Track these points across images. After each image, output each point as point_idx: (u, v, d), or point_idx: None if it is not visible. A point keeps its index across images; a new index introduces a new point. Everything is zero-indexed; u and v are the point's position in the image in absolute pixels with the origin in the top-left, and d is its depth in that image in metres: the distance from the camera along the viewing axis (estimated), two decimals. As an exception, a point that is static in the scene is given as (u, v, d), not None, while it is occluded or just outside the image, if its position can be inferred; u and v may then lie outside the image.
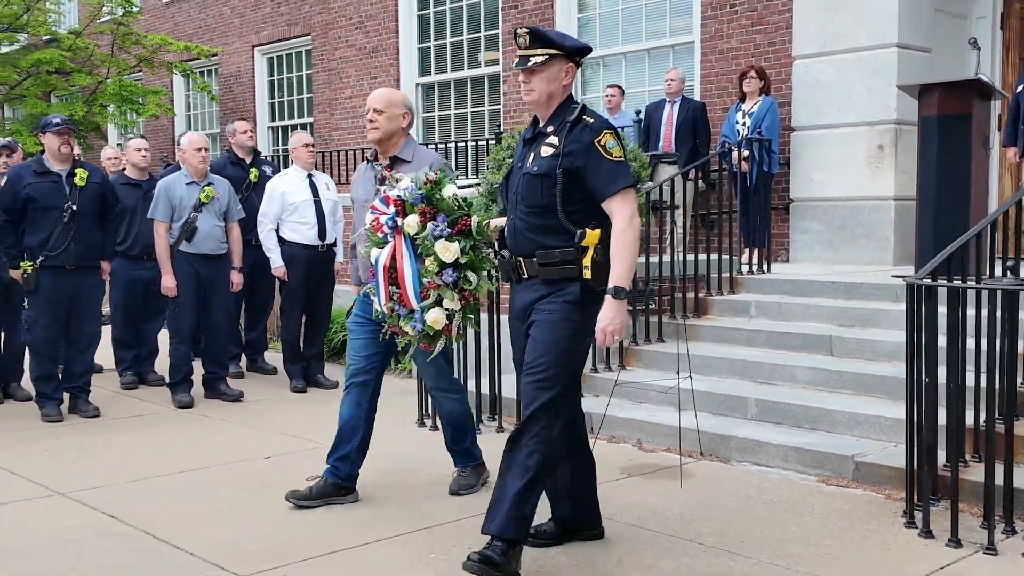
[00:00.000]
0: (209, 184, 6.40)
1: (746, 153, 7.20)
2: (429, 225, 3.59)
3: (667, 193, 6.63)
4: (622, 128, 7.66)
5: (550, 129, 3.36)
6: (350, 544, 3.69)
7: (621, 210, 3.24)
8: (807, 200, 7.83)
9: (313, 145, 6.97)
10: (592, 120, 3.31)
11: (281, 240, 6.73)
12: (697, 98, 8.67)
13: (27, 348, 6.02)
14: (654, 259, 6.39)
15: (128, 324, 7.02)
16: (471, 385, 5.72)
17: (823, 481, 4.47)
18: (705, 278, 6.61)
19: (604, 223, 3.28)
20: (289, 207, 6.70)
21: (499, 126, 10.06)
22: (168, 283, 6.29)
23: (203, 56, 15.53)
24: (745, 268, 6.92)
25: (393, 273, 3.67)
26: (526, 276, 3.39)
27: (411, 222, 3.63)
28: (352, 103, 12.21)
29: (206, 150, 6.40)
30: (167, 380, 6.48)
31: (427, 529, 3.85)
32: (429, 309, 3.62)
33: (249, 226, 6.85)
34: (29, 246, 5.84)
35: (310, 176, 6.85)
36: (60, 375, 6.11)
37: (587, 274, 3.27)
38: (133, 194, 6.86)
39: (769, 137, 7.45)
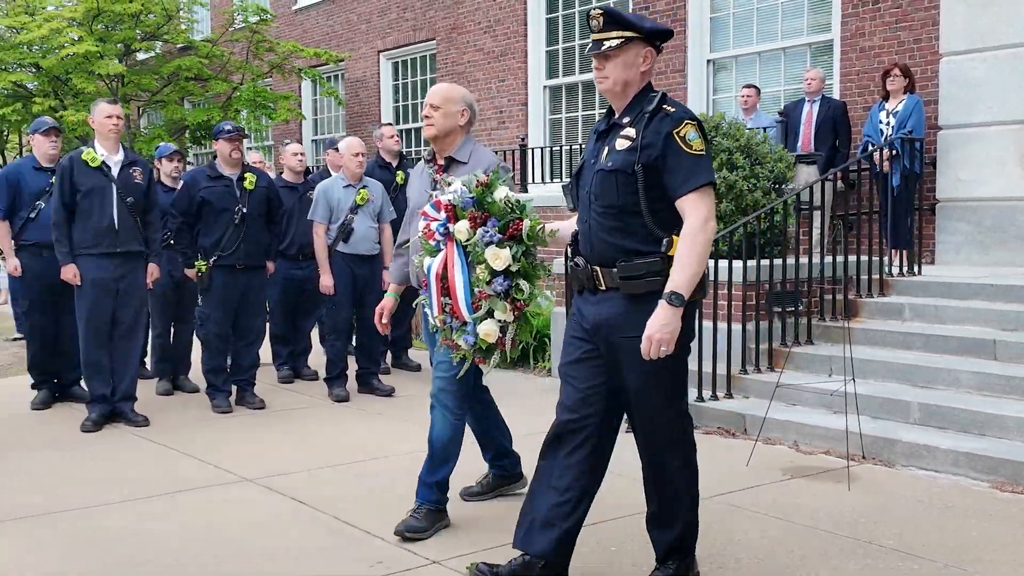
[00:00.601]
0: (364, 187, 6.67)
1: (890, 153, 7.09)
2: (479, 231, 3.35)
3: (806, 194, 6.60)
4: (763, 129, 7.64)
5: (626, 120, 3.05)
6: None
7: (695, 209, 2.89)
8: (955, 201, 7.65)
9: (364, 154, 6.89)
10: (673, 109, 2.98)
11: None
12: (836, 97, 8.55)
13: (200, 342, 6.37)
14: (802, 260, 6.36)
15: (285, 321, 7.36)
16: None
17: (996, 487, 4.40)
18: (852, 280, 6.54)
19: None
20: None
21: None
22: (326, 282, 6.58)
23: (331, 62, 16.03)
24: (895, 270, 6.81)
25: (445, 283, 3.46)
26: (603, 288, 3.05)
27: (461, 228, 3.39)
28: (480, 107, 12.38)
29: (363, 155, 6.66)
30: (325, 375, 6.78)
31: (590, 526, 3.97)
32: (481, 321, 3.38)
33: (396, 228, 7.09)
34: (203, 246, 6.21)
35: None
36: (228, 369, 6.45)
37: None
38: (290, 196, 7.19)
39: (918, 136, 7.31)
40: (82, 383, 6.53)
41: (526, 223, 3.35)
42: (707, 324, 5.79)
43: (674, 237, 2.92)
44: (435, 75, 15.18)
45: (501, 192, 3.37)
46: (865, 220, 6.85)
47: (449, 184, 3.50)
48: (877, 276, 6.58)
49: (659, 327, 2.85)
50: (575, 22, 11.31)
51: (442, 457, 3.90)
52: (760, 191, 6.60)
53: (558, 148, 11.02)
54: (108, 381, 5.81)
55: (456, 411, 3.88)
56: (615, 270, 2.98)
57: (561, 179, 10.81)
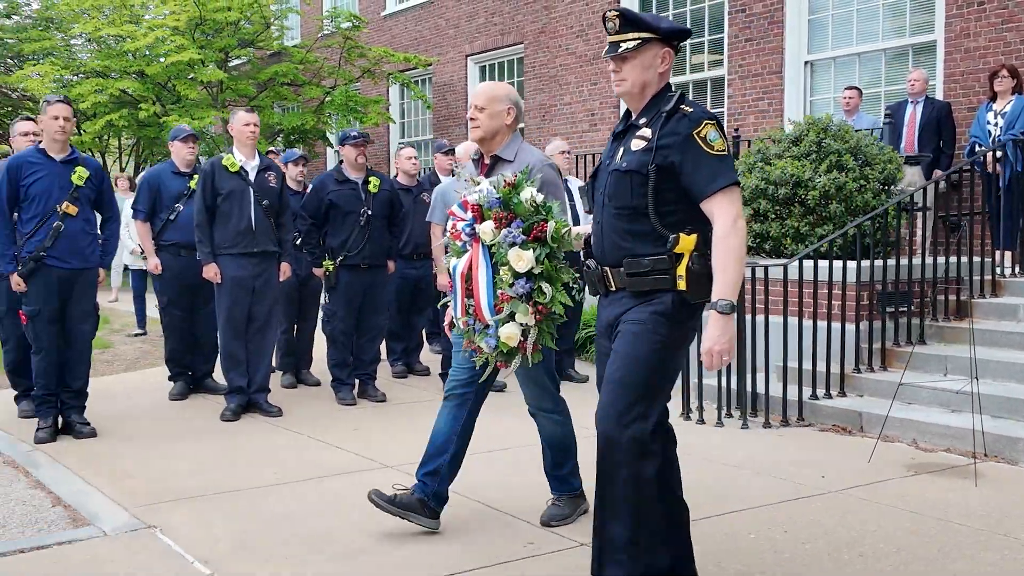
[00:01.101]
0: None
1: (999, 154, 7.08)
2: (503, 231, 3.32)
3: (916, 195, 6.64)
4: (870, 131, 7.69)
5: (643, 121, 3.00)
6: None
7: (724, 211, 2.83)
8: (1065, 201, 7.58)
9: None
10: (691, 109, 2.93)
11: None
12: (940, 98, 8.53)
13: (326, 338, 6.69)
14: (907, 261, 6.41)
15: (400, 318, 7.66)
16: (714, 380, 5.96)
17: (1125, 486, 4.45)
18: (963, 280, 6.56)
19: (702, 227, 2.91)
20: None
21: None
22: (443, 281, 6.84)
23: (420, 66, 16.40)
24: (1007, 271, 6.81)
25: (469, 284, 3.42)
26: (613, 288, 3.05)
27: (486, 228, 3.36)
28: (571, 109, 12.66)
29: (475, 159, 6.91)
30: (441, 370, 7.04)
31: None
32: (503, 324, 3.35)
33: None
34: (330, 247, 6.53)
35: (566, 181, 7.26)
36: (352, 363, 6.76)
37: (681, 284, 2.91)
38: (405, 198, 7.48)
39: (1028, 137, 7.28)
40: (214, 376, 6.92)
41: (551, 225, 3.31)
42: (821, 324, 5.90)
43: (681, 235, 2.89)
44: (522, 78, 15.44)
45: (527, 193, 3.33)
46: (973, 221, 6.87)
47: (477, 183, 3.47)
48: (989, 277, 6.60)
49: (716, 338, 2.82)
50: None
51: (563, 453, 3.96)
52: (870, 192, 6.66)
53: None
54: (244, 373, 6.16)
55: (558, 410, 3.91)
56: (622, 269, 2.97)
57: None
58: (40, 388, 5.58)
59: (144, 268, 9.57)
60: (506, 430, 5.52)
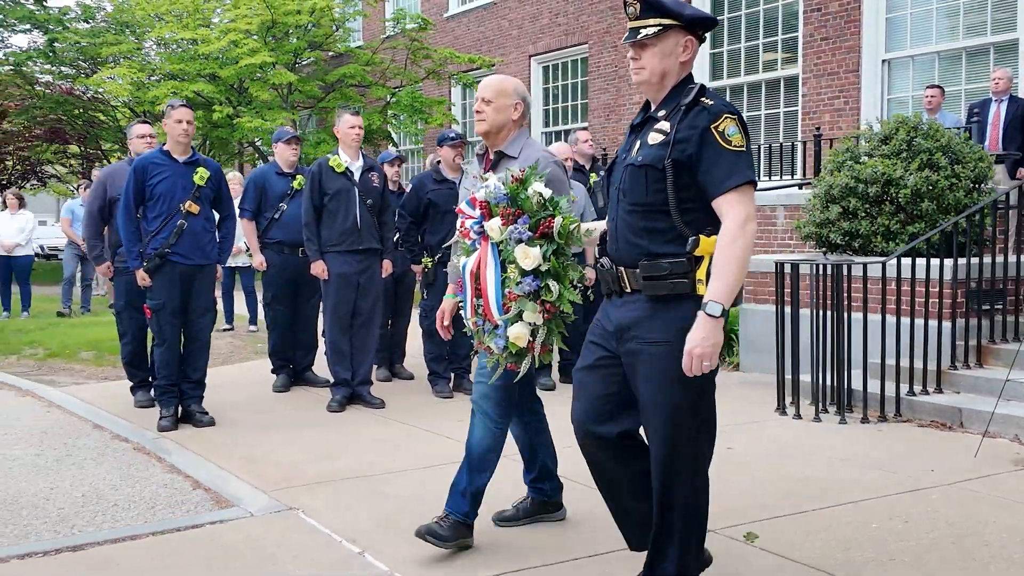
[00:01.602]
0: (571, 190, 7.08)
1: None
2: (509, 228, 3.23)
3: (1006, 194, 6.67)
4: (958, 129, 7.71)
5: (661, 114, 2.83)
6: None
7: (733, 211, 2.67)
8: None
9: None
10: (711, 102, 2.76)
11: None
12: (1023, 96, 8.52)
13: (424, 333, 6.90)
14: (1001, 259, 6.45)
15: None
16: (809, 376, 6.05)
17: None
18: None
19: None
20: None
21: (795, 129, 10.26)
22: (591, 275, 7.01)
23: (484, 67, 16.61)
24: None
25: (479, 283, 3.34)
26: (628, 290, 2.87)
27: (494, 225, 3.27)
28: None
29: (572, 159, 7.08)
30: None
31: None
32: (512, 323, 3.24)
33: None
34: (429, 244, 6.73)
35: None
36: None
37: (701, 289, 2.73)
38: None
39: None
40: (314, 369, 7.17)
41: (558, 221, 3.20)
42: (917, 321, 5.97)
43: (701, 237, 2.74)
44: (586, 78, 15.59)
45: (535, 188, 3.24)
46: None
47: (485, 180, 3.40)
48: (1083, 275, 6.61)
49: (699, 340, 2.63)
50: (741, 24, 11.49)
51: (479, 466, 3.64)
52: (961, 190, 6.70)
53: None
54: (349, 367, 6.38)
55: (497, 418, 3.62)
56: (638, 270, 2.81)
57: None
58: (162, 379, 5.85)
59: (234, 266, 9.92)
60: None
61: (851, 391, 6.03)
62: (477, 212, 3.36)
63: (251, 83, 15.72)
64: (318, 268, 6.27)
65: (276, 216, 6.87)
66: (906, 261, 6.05)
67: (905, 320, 5.99)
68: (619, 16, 14.99)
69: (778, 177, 9.81)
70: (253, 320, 10.36)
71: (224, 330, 10.23)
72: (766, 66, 11.36)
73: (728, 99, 11.72)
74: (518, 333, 3.23)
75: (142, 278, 5.74)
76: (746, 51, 11.49)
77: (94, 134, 21.37)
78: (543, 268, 3.19)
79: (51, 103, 19.41)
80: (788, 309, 6.18)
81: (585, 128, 8.56)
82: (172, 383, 5.85)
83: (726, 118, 2.72)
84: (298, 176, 6.96)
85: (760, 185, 10.39)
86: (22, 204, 12.25)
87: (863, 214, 6.87)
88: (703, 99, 2.76)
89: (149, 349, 6.41)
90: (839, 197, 6.91)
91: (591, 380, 3.00)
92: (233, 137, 16.59)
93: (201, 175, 5.80)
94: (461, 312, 3.62)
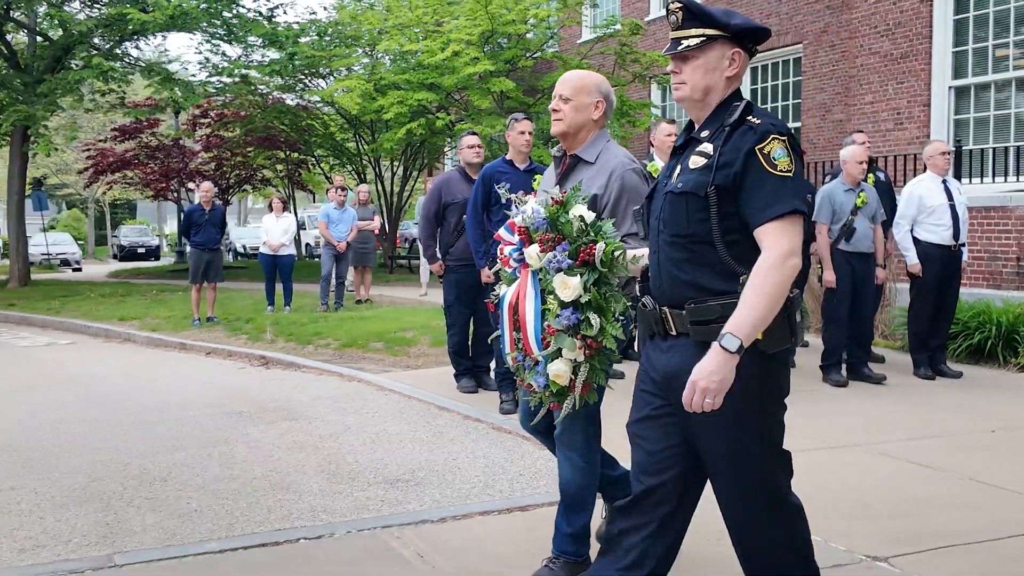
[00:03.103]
0: (863, 191, 7.29)
1: None
2: (547, 256, 2.95)
3: None
4: None
5: (704, 134, 2.58)
6: None
7: (774, 242, 2.38)
8: None
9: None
10: (758, 121, 2.49)
11: (915, 240, 7.47)
12: None
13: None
14: None
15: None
16: None
17: None
18: None
19: None
20: (927, 209, 7.42)
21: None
22: (829, 277, 7.26)
23: (691, 69, 16.82)
24: None
25: (517, 315, 3.06)
26: (674, 333, 2.55)
27: (532, 252, 2.99)
28: (872, 108, 12.72)
29: (865, 162, 7.29)
30: (821, 362, 7.45)
31: None
32: (552, 360, 2.97)
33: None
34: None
35: (944, 181, 7.50)
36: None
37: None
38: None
39: None
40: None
41: (600, 246, 2.91)
42: None
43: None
44: (799, 78, 15.61)
45: (577, 211, 2.96)
46: None
47: (525, 202, 3.11)
48: None
49: (706, 373, 2.33)
50: (989, 21, 11.32)
51: (576, 505, 3.38)
52: None
53: (968, 150, 11.14)
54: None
55: (582, 453, 3.33)
56: (684, 312, 2.50)
57: (970, 179, 10.92)
58: (502, 365, 6.42)
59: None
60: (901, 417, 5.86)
61: None
62: (516, 238, 3.10)
63: (472, 91, 16.46)
64: (485, 274, 6.27)
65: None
66: None
67: None
68: (837, 15, 14.96)
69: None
70: None
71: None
72: (1017, 63, 11.15)
73: (972, 98, 11.58)
74: (558, 371, 2.96)
75: (487, 276, 6.31)
76: (994, 49, 11.31)
77: (305, 140, 22.79)
78: (583, 299, 2.91)
79: (275, 112, 20.84)
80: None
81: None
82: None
83: (773, 139, 2.44)
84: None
85: (1015, 187, 10.24)
86: (285, 207, 13.31)
87: None
88: (750, 117, 2.50)
89: (470, 340, 7.05)
90: None
91: (648, 433, 2.64)
92: (452, 143, 17.39)
93: (539, 181, 6.33)
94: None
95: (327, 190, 15.37)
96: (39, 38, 19.97)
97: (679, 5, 2.59)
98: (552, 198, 3.01)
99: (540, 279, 3.01)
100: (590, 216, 2.97)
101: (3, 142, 19.94)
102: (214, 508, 4.42)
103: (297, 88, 21.56)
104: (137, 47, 21.54)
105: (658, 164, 6.73)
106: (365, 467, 5.11)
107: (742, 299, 2.36)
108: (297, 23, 19.17)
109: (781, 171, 2.43)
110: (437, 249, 7.12)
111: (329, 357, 9.16)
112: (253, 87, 19.72)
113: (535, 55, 17.54)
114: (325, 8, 21.96)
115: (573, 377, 2.96)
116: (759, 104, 16.57)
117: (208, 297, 12.30)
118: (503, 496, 4.56)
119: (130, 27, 16.59)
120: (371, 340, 9.56)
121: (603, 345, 2.93)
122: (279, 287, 12.96)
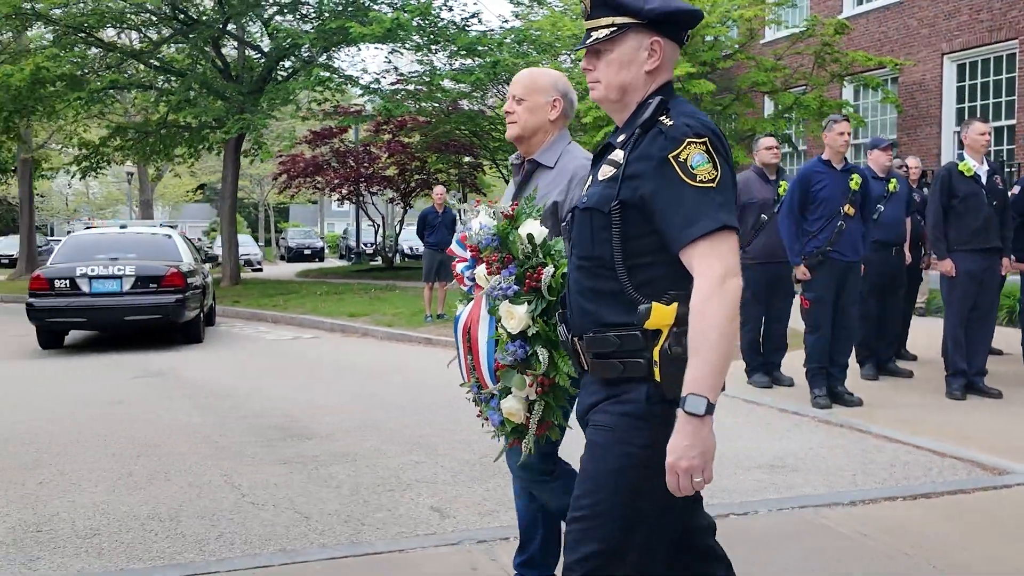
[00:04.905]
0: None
1: None
2: (493, 280, 2.60)
3: None
4: None
5: (620, 139, 2.18)
6: None
7: (706, 266, 1.99)
8: None
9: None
10: (671, 122, 2.07)
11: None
12: None
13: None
14: None
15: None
16: None
17: None
18: None
19: (688, 293, 2.03)
20: None
21: None
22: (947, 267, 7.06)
23: (892, 68, 16.54)
24: None
25: (470, 340, 2.73)
26: (585, 367, 2.21)
27: (480, 274, 2.67)
28: (1114, 104, 12.30)
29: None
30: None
31: None
32: (504, 395, 2.64)
33: None
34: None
35: None
36: None
37: (656, 373, 2.06)
38: None
39: None
40: (897, 361, 7.66)
41: (548, 271, 2.55)
42: None
43: (654, 305, 2.04)
44: (1012, 74, 15.15)
45: (526, 227, 2.61)
46: None
47: (477, 213, 2.74)
48: None
49: (682, 450, 1.96)
50: None
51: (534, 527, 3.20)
52: None
53: None
54: (965, 356, 6.86)
55: (544, 474, 3.00)
56: (585, 344, 2.18)
57: None
58: (813, 362, 6.61)
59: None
60: None
61: None
62: (468, 253, 2.79)
63: (671, 94, 16.63)
64: (946, 266, 6.75)
65: (875, 217, 7.45)
66: None
67: None
68: (1059, 9, 14.48)
69: None
70: None
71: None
72: None
73: None
74: (510, 409, 2.62)
75: (803, 273, 6.51)
76: None
77: (485, 145, 23.46)
78: (531, 331, 2.55)
79: (462, 119, 21.53)
80: None
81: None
82: (822, 365, 6.59)
83: (689, 143, 2.03)
84: (892, 180, 7.51)
85: None
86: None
87: None
88: (662, 118, 2.09)
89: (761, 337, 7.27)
90: None
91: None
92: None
93: (856, 180, 6.50)
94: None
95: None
96: (249, 51, 21.23)
97: None
98: (502, 212, 2.67)
99: (491, 305, 2.67)
100: (540, 234, 2.62)
101: (220, 150, 21.28)
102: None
103: (474, 95, 22.20)
104: (336, 57, 22.62)
105: (970, 164, 6.76)
106: (727, 456, 5.28)
107: (691, 344, 1.98)
108: (497, 29, 19.71)
109: (702, 181, 2.03)
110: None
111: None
112: (444, 95, 20.40)
113: (729, 56, 17.57)
114: (517, 16, 22.32)
115: (528, 415, 2.63)
116: (967, 102, 16.20)
117: (439, 295, 12.89)
118: (883, 485, 4.75)
119: (348, 39, 17.40)
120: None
121: (555, 382, 2.58)
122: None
